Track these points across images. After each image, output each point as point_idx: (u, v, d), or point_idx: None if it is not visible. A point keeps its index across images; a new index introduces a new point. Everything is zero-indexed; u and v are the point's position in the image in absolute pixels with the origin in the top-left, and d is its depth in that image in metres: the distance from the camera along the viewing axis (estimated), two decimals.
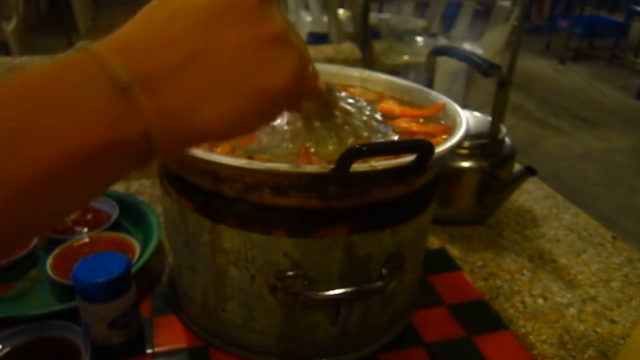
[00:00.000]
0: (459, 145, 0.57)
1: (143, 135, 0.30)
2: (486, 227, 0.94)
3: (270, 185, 0.51)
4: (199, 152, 0.51)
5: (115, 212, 0.83)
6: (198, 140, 0.35)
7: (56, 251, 0.73)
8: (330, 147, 0.58)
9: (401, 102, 0.75)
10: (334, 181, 0.47)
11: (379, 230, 0.56)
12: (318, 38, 3.91)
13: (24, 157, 0.27)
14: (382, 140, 0.62)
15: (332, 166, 0.47)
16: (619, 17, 5.65)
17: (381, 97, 0.77)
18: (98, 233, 0.78)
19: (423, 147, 0.46)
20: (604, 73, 4.99)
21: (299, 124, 0.60)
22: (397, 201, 0.56)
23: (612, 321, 0.74)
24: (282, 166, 0.48)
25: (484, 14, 3.58)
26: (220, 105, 0.33)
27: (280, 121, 0.60)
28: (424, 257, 0.69)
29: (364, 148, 0.44)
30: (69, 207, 0.32)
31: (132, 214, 0.85)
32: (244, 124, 0.35)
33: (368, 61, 2.82)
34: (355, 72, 0.81)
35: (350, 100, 0.66)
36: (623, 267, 0.86)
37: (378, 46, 3.23)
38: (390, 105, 0.72)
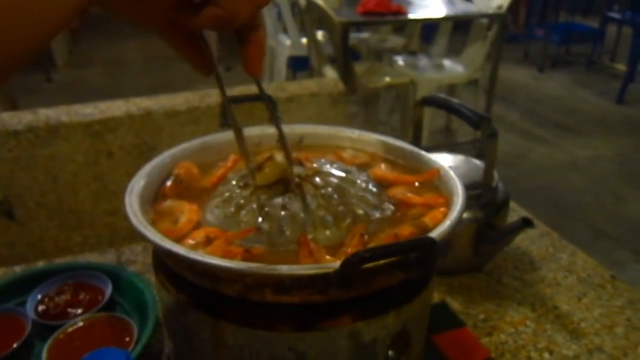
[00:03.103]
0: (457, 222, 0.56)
1: None
2: (485, 274, 0.93)
3: (271, 285, 0.49)
4: (194, 255, 0.50)
5: (108, 289, 0.81)
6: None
7: (50, 341, 0.70)
8: (327, 232, 0.57)
9: (394, 164, 0.75)
10: (336, 283, 0.46)
11: (382, 314, 0.55)
12: (298, 61, 3.91)
13: None
14: (378, 216, 0.62)
15: (335, 265, 0.46)
16: (593, 22, 5.74)
17: (373, 159, 0.76)
18: (92, 315, 0.76)
19: (425, 246, 0.45)
20: (583, 79, 5.05)
21: (295, 206, 0.59)
22: (399, 284, 0.55)
23: None
24: (282, 268, 0.47)
25: (463, 27, 3.61)
26: None
27: (275, 201, 0.60)
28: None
29: (367, 255, 0.43)
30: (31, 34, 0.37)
31: (125, 290, 0.83)
32: None
33: (350, 86, 2.82)
34: (346, 132, 0.80)
35: (342, 174, 0.66)
36: (625, 309, 0.85)
37: (359, 68, 3.24)
38: (383, 172, 0.71)
